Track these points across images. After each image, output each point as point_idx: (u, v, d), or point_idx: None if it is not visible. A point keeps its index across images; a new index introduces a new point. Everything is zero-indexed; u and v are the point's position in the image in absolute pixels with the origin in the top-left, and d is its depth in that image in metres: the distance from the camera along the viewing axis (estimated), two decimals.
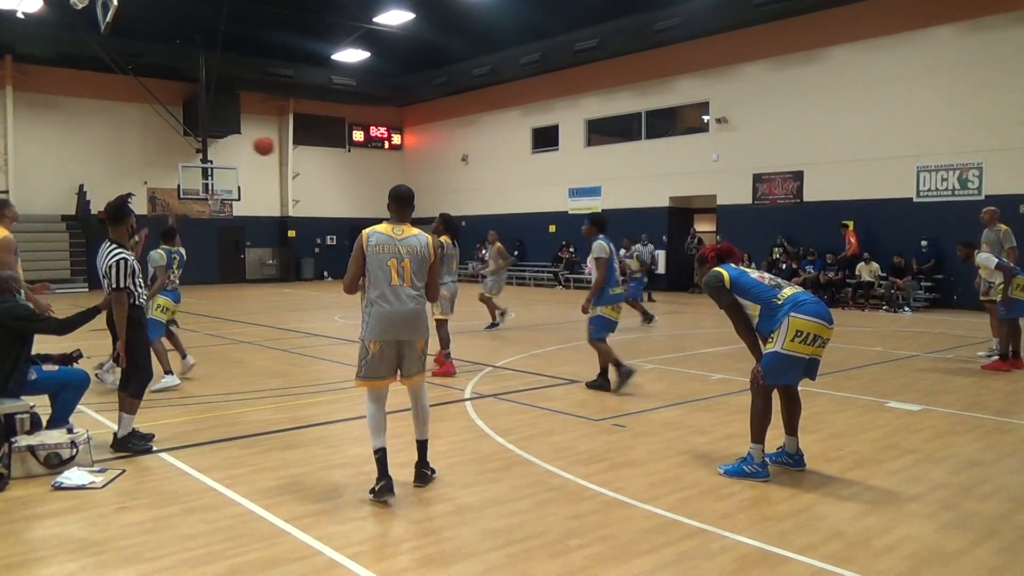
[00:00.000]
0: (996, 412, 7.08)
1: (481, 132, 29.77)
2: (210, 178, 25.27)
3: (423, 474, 4.96)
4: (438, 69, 28.17)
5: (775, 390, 5.20)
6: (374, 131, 32.97)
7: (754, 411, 5.11)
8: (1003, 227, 10.38)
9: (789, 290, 5.08)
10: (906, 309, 17.08)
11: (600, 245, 7.81)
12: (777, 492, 4.81)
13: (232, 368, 9.63)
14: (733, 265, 5.34)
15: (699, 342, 12.01)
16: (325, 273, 30.35)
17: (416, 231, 4.84)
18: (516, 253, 28.27)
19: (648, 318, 14.10)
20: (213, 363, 9.90)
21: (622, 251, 14.76)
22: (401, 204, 4.90)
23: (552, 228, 26.77)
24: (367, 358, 4.68)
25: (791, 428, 5.29)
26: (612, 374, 7.98)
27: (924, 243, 17.64)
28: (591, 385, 8.14)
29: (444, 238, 9.23)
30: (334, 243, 31.07)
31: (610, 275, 7.81)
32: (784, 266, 19.41)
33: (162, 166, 26.58)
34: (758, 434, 5.08)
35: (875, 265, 17.88)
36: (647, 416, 6.89)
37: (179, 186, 24.83)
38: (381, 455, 4.65)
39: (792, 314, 4.90)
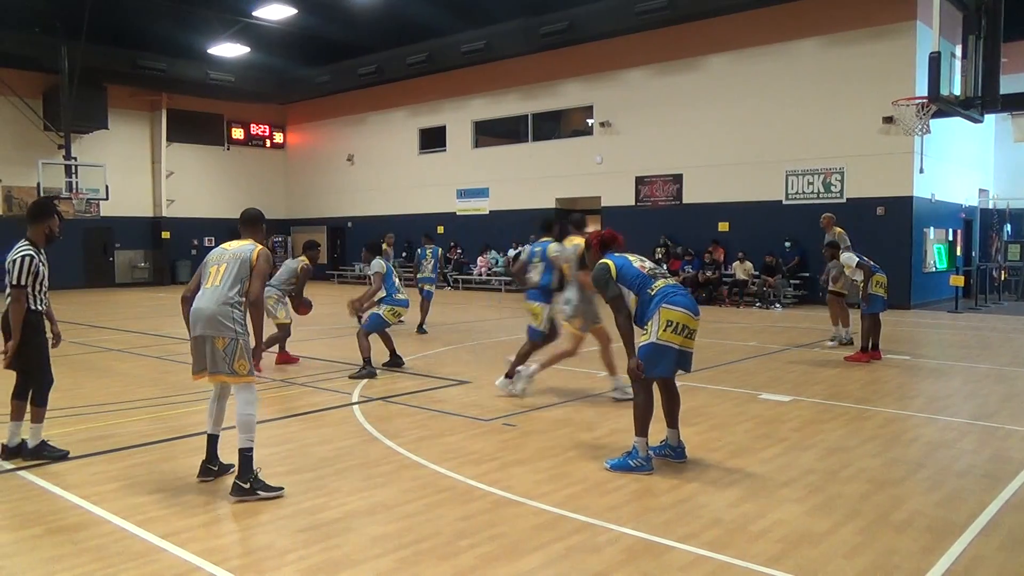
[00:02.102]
0: (857, 400, 7.59)
1: (367, 132, 29.33)
2: (74, 176, 23.73)
3: (237, 486, 4.65)
4: (322, 66, 27.56)
5: (655, 384, 5.38)
6: (255, 129, 31.87)
7: (636, 405, 5.26)
8: (839, 230, 11.68)
9: (661, 282, 5.31)
10: (777, 306, 18.07)
11: (377, 263, 9.19)
12: (660, 484, 4.97)
13: (102, 378, 9.07)
14: (617, 253, 5.49)
15: (585, 340, 12.23)
16: None
17: (249, 243, 5.06)
18: (404, 255, 28.04)
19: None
20: (80, 373, 9.29)
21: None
22: (243, 224, 5.27)
23: (440, 229, 26.68)
24: None
25: (672, 421, 5.49)
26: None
27: (788, 243, 18.75)
28: (382, 367, 9.19)
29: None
30: (212, 244, 29.70)
31: (389, 286, 9.15)
32: (665, 266, 20.12)
33: (20, 163, 24.68)
34: (641, 428, 5.23)
35: (748, 264, 18.82)
36: (537, 415, 6.98)
37: (39, 184, 23.16)
38: (209, 439, 5.03)
39: (663, 305, 5.15)
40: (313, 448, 5.83)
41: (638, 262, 5.44)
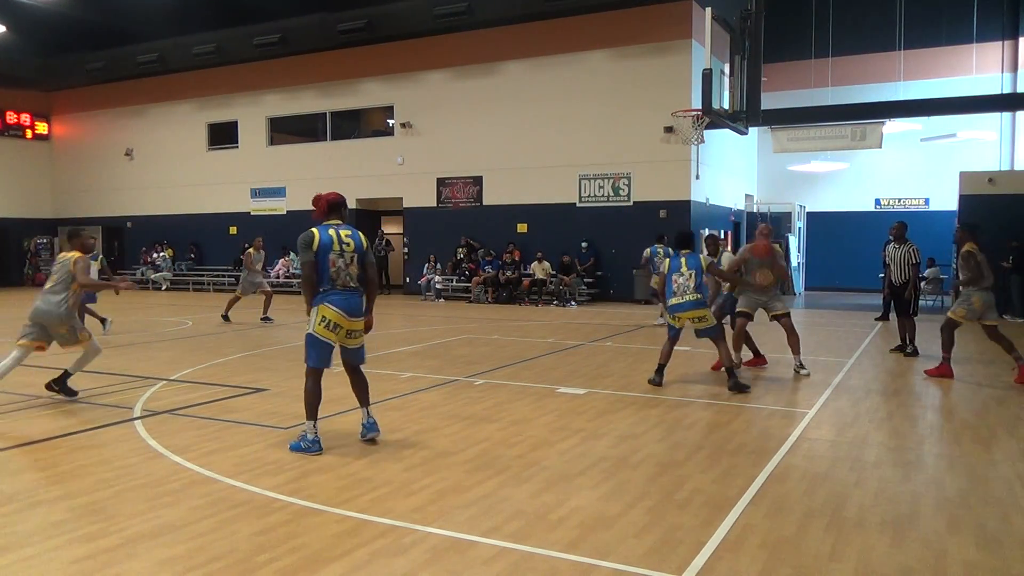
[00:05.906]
0: (645, 391, 8.13)
1: (149, 125, 27.14)
2: None
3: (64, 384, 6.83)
4: (95, 52, 25.17)
5: (334, 372, 5.83)
6: (12, 117, 28.45)
7: (305, 392, 5.68)
8: None
9: (329, 285, 5.54)
10: (572, 303, 18.95)
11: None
12: (465, 480, 5.03)
13: None
14: (334, 224, 5.61)
15: (389, 342, 12.17)
16: None
17: (74, 254, 6.54)
18: (192, 256, 26.33)
19: (103, 322, 13.11)
20: None
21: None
22: (67, 239, 6.75)
23: (233, 230, 25.34)
24: None
25: (361, 401, 5.89)
26: None
27: (584, 244, 19.77)
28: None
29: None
30: None
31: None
32: (465, 266, 20.45)
33: None
34: (309, 412, 5.65)
35: (547, 264, 19.59)
36: (337, 419, 6.80)
37: None
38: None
39: (323, 302, 5.51)
40: (88, 469, 5.29)
41: (337, 252, 5.51)
